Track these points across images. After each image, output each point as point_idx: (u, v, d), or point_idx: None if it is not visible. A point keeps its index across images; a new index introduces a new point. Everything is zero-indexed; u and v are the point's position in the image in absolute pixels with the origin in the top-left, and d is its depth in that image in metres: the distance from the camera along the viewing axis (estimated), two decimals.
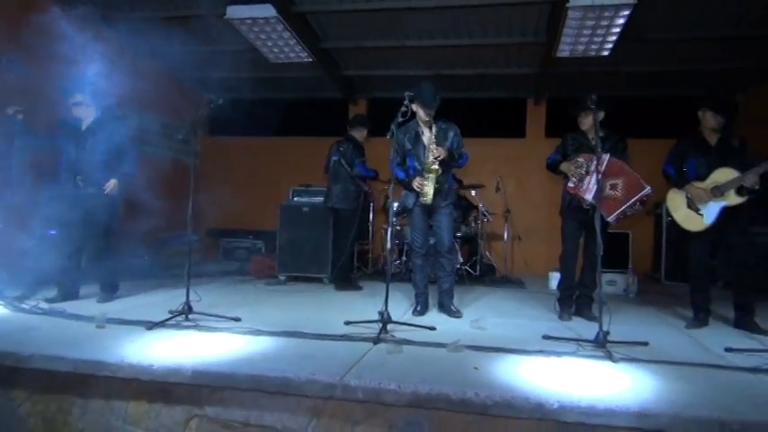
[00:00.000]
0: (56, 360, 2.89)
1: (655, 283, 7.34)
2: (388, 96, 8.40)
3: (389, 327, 3.63)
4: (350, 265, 6.35)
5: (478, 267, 7.02)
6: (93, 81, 4.57)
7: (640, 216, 7.55)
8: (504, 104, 8.98)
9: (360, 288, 5.91)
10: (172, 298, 4.56)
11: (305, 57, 6.73)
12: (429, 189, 4.29)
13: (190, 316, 3.92)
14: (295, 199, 6.50)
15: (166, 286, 5.46)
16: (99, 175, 4.51)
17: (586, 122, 4.38)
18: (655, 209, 7.43)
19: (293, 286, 6.06)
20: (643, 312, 5.00)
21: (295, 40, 6.25)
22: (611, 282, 6.30)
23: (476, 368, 2.88)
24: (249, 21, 5.75)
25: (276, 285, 6.08)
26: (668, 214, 4.39)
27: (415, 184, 4.32)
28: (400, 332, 3.64)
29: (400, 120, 3.84)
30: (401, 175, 4.52)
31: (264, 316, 4.21)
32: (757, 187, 3.90)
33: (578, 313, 4.55)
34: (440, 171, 4.28)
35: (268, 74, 7.94)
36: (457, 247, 6.66)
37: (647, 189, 3.95)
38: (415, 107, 4.26)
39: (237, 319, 3.91)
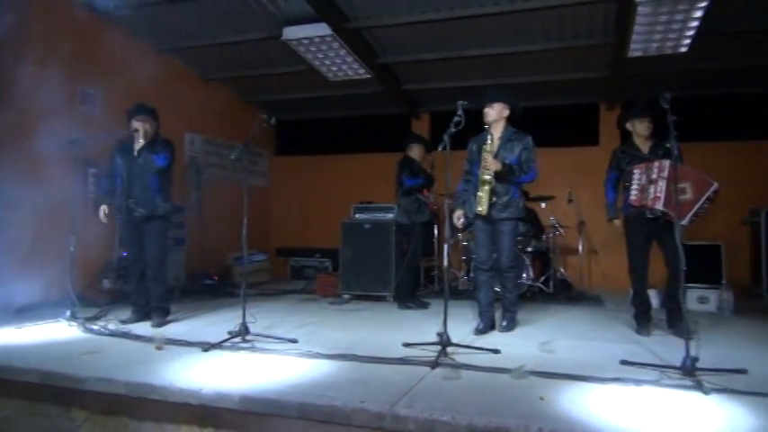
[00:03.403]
0: (108, 382, 2.90)
1: (756, 299, 6.58)
2: (451, 109, 8.18)
3: (450, 349, 3.40)
4: (415, 282, 6.16)
5: (552, 284, 6.61)
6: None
7: (734, 226, 6.90)
8: (573, 111, 8.50)
9: (426, 306, 5.70)
10: (234, 318, 4.54)
11: (363, 73, 6.69)
12: (483, 200, 4.21)
13: (247, 337, 3.88)
14: (356, 216, 6.42)
15: (231, 306, 5.48)
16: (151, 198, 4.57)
17: (641, 128, 4.26)
18: (751, 217, 6.72)
19: (357, 305, 5.94)
20: (741, 334, 4.46)
21: (352, 57, 6.21)
22: (702, 299, 5.71)
23: (541, 398, 2.60)
24: (306, 40, 5.77)
25: (340, 304, 5.99)
26: None
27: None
28: (462, 355, 3.40)
29: (453, 130, 3.65)
30: (460, 187, 4.56)
31: (322, 337, 4.12)
32: None
33: (670, 326, 4.24)
34: (492, 183, 4.19)
35: (328, 92, 7.98)
36: (528, 262, 6.33)
37: (715, 185, 3.85)
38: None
39: (294, 341, 3.82)
